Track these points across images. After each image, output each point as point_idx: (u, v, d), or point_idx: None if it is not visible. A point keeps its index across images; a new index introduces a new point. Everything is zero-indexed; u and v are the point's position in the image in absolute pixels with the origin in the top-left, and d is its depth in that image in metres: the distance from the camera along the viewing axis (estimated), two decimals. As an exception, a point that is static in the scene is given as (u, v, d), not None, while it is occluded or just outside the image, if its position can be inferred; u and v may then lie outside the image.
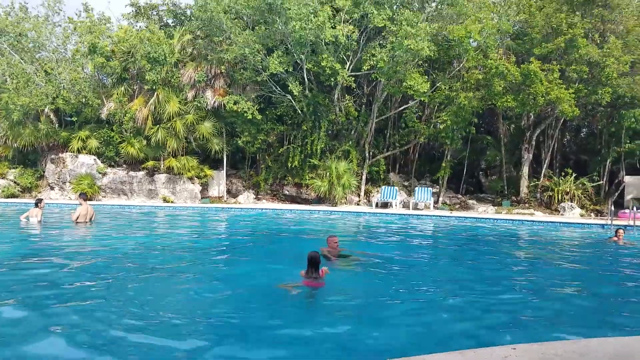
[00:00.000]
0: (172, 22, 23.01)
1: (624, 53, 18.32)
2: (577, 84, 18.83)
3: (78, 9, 22.39)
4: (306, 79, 20.35)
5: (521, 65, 18.67)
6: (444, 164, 21.56)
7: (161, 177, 21.28)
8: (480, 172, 24.70)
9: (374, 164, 22.06)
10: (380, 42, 19.84)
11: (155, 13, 22.45)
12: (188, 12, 22.31)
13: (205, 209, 19.74)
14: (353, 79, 19.90)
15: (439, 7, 20.15)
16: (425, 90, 19.02)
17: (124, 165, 21.86)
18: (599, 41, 18.99)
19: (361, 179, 21.73)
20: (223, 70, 21.05)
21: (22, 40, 21.13)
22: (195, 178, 21.46)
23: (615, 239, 12.29)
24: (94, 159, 21.55)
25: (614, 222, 15.75)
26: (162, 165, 21.23)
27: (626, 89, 18.34)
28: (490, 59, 19.02)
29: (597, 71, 18.36)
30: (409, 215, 18.88)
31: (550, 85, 18.13)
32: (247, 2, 19.68)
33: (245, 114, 19.66)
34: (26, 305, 5.52)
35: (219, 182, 22.49)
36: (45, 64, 21.55)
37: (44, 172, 22.06)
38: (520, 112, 19.82)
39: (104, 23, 22.27)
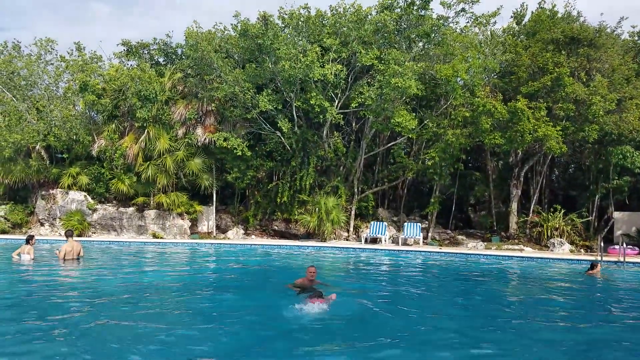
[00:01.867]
0: (163, 61, 23.22)
1: (610, 91, 18.44)
2: (564, 122, 18.89)
3: (70, 48, 22.68)
4: (295, 116, 20.51)
5: (508, 103, 18.74)
6: (432, 200, 21.53)
7: (151, 213, 21.32)
8: (469, 208, 24.70)
9: (363, 199, 22.03)
10: (368, 80, 20.03)
11: (146, 52, 22.66)
12: (179, 51, 22.55)
13: (195, 244, 19.88)
14: (341, 116, 20.03)
15: (426, 47, 20.41)
16: (413, 127, 19.12)
17: (114, 202, 21.91)
18: (585, 79, 19.07)
19: (350, 214, 21.71)
20: (213, 108, 21.20)
21: (14, 78, 21.40)
22: (185, 214, 21.49)
23: (592, 272, 12.76)
24: (84, 195, 21.61)
25: (604, 258, 15.81)
26: (151, 201, 21.28)
27: (613, 126, 18.41)
28: (477, 97, 19.15)
29: (584, 109, 18.43)
30: (398, 250, 18.91)
31: (537, 122, 18.21)
32: (237, 42, 19.99)
33: (235, 151, 19.76)
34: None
35: (208, 217, 22.51)
36: (37, 101, 21.77)
37: (34, 208, 22.11)
38: (507, 149, 19.89)
39: (96, 61, 22.57)
